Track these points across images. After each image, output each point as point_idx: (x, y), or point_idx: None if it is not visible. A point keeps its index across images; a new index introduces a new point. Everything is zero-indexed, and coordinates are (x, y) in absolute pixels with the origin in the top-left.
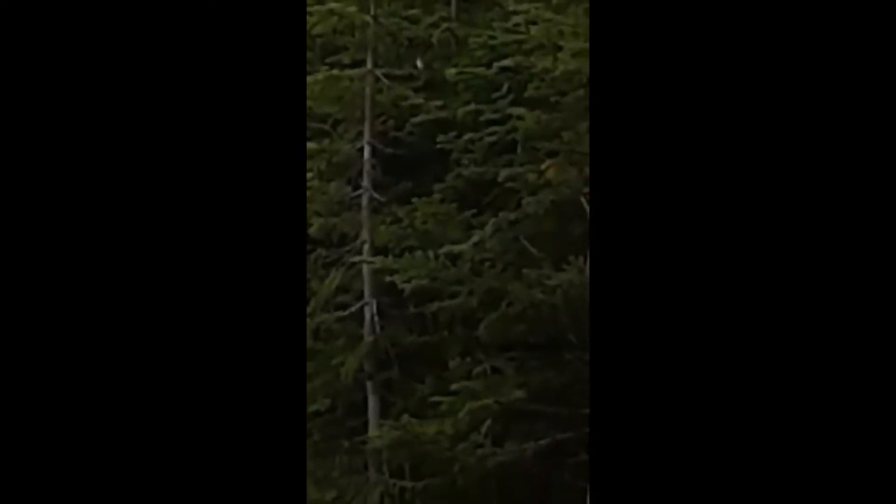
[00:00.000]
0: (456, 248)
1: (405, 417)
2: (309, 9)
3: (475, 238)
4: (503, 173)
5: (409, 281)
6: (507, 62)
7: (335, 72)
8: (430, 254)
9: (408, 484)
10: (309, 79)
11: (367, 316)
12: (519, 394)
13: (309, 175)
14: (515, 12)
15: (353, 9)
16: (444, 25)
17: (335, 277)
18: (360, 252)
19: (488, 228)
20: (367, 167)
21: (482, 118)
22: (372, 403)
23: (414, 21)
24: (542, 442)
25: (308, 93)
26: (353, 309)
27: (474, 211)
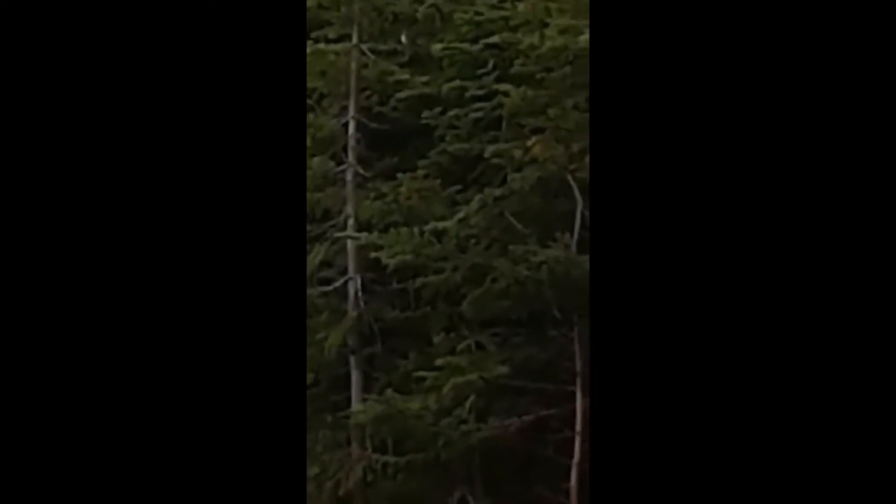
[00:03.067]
0: (441, 225)
1: (389, 392)
2: None
3: (460, 214)
4: (489, 149)
5: (393, 256)
6: (493, 38)
7: (321, 46)
8: (415, 230)
9: (391, 459)
10: None
11: (351, 291)
12: (503, 369)
13: None
14: None
15: None
16: (430, 1)
17: (319, 252)
18: (344, 227)
19: (473, 204)
20: (351, 142)
21: (467, 94)
22: (355, 378)
23: None
24: (526, 418)
25: None
26: (337, 284)
27: (459, 187)
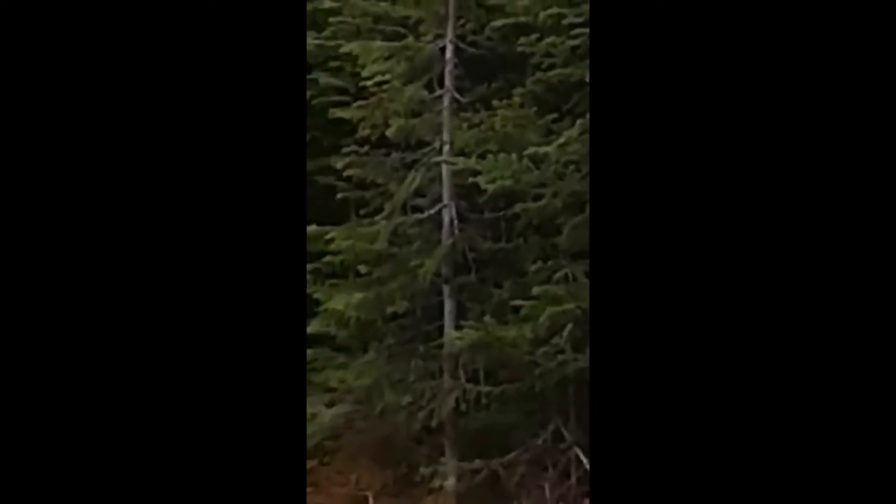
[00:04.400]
0: (541, 150)
1: (487, 318)
2: None
3: (561, 140)
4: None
5: (493, 182)
6: None
7: None
8: (513, 156)
9: (484, 388)
10: None
11: (446, 219)
12: None
13: (387, 76)
14: None
15: None
16: None
17: (414, 179)
18: (439, 153)
19: (574, 130)
20: (448, 67)
21: (564, 22)
22: (448, 308)
23: None
24: None
25: None
26: (431, 212)
27: (555, 116)
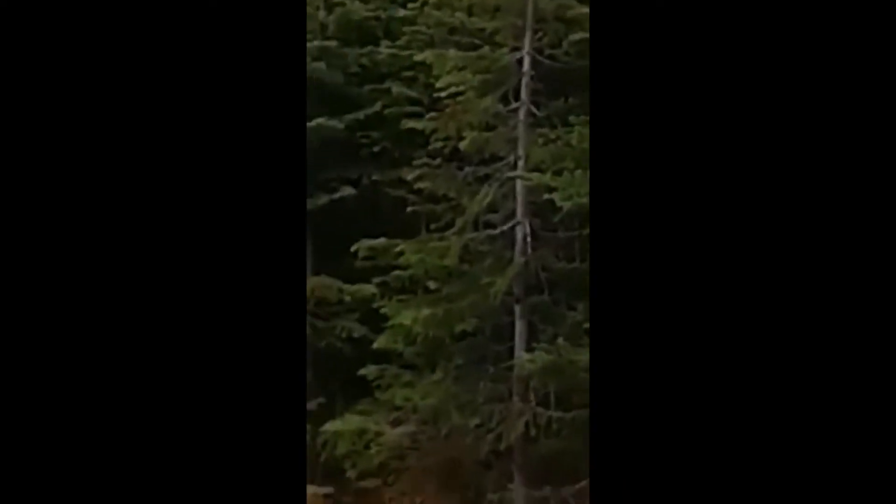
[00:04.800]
0: None
1: (560, 341)
2: None
3: None
4: None
5: (568, 199)
6: None
7: None
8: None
9: (555, 413)
10: None
11: (519, 236)
12: None
13: (462, 87)
14: None
15: None
16: None
17: (487, 194)
18: (513, 168)
19: None
20: (525, 79)
21: None
22: (519, 329)
23: None
24: None
25: (466, 3)
26: (503, 228)
27: None
